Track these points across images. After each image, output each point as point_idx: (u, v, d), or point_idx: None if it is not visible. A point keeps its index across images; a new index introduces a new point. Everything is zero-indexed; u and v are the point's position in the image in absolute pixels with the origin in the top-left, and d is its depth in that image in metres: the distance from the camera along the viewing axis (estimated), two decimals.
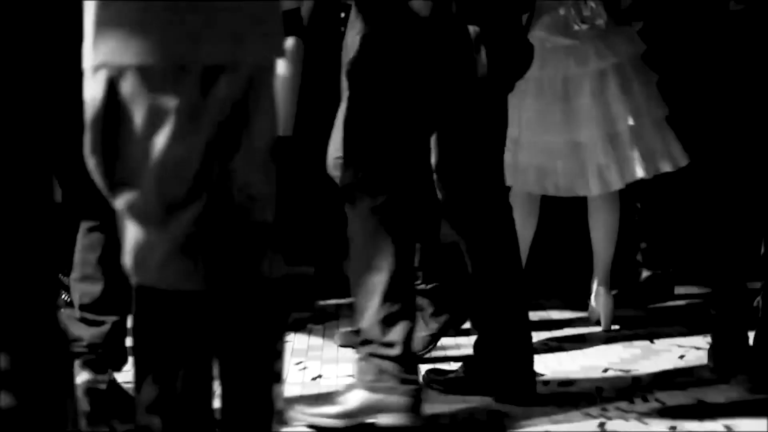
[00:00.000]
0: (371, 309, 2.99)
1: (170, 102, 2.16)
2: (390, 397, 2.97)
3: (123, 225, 2.23)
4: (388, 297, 2.97)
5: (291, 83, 3.93)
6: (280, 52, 2.37)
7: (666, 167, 3.99)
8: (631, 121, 3.93)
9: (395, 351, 2.98)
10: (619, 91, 3.94)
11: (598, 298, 4.09)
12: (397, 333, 2.98)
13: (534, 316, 4.11)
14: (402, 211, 2.99)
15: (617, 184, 3.96)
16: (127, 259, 2.23)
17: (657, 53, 4.20)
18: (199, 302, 2.23)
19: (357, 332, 3.95)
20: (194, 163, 2.20)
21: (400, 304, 2.99)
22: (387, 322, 2.98)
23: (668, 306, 4.45)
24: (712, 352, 3.48)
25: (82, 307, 3.03)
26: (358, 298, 3.04)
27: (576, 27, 3.94)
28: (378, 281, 2.97)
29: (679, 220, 4.59)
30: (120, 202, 2.21)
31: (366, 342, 3.03)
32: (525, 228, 3.88)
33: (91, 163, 2.22)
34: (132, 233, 2.21)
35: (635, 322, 4.20)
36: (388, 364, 2.99)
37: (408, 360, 3.01)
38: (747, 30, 3.20)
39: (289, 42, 3.85)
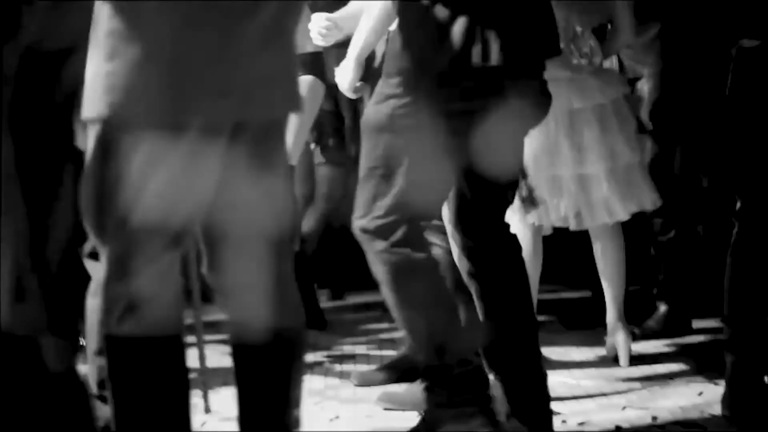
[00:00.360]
0: (422, 338, 3.07)
1: (167, 158, 2.16)
2: (464, 417, 3.05)
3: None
4: (433, 324, 3.05)
5: (304, 122, 3.94)
6: (295, 107, 2.37)
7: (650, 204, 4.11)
8: (631, 156, 4.02)
9: (456, 370, 3.04)
10: (618, 126, 4.02)
11: (615, 334, 4.08)
12: (452, 353, 3.05)
13: (551, 353, 4.10)
14: (417, 243, 3.07)
15: (623, 215, 4.02)
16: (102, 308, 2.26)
17: (671, 92, 4.24)
18: (159, 347, 2.25)
19: (375, 371, 3.99)
20: (179, 219, 2.21)
21: (447, 327, 3.06)
22: (439, 346, 3.05)
23: (686, 341, 4.43)
24: (729, 400, 3.40)
25: (101, 384, 2.93)
26: (408, 333, 3.13)
27: (575, 61, 3.98)
28: (418, 311, 3.04)
29: (696, 254, 4.57)
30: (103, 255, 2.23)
31: (427, 371, 3.09)
32: (532, 266, 3.89)
33: (83, 214, 2.23)
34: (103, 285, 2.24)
35: (653, 358, 4.18)
36: (453, 386, 3.05)
37: (472, 375, 3.07)
38: (761, 66, 3.19)
39: (308, 80, 3.88)
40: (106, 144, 2.17)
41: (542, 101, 3.20)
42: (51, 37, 2.19)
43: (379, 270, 3.07)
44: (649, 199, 4.10)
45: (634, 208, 4.07)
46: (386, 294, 3.11)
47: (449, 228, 3.26)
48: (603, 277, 4.11)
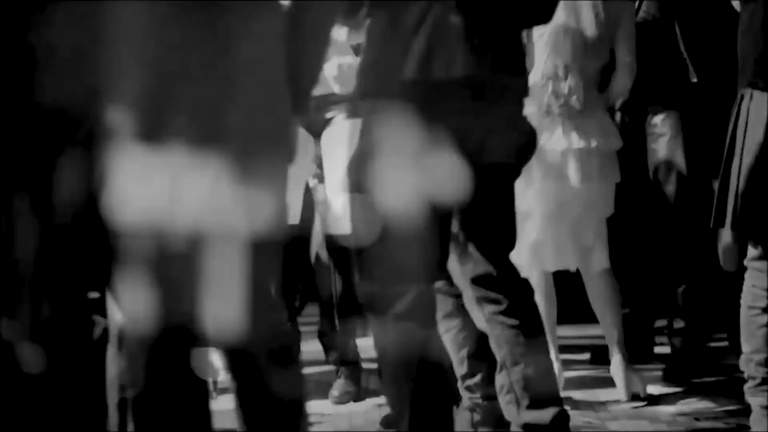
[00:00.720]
0: (403, 419, 2.91)
1: (146, 172, 2.17)
2: None
3: None
4: (417, 408, 2.89)
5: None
6: (288, 155, 2.35)
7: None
8: (582, 211, 3.95)
9: None
10: (577, 176, 3.91)
11: (617, 369, 4.04)
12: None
13: (577, 392, 4.09)
14: (416, 319, 2.90)
15: (552, 267, 4.00)
16: None
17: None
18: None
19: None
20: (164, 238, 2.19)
21: (432, 413, 2.91)
22: None
23: (713, 381, 4.40)
24: None
25: None
26: (393, 409, 3.00)
27: (547, 102, 3.89)
28: (406, 390, 2.90)
29: (720, 296, 4.55)
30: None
31: None
32: (548, 306, 3.89)
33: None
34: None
35: (679, 398, 4.15)
36: None
37: None
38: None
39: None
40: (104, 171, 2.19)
41: (523, 132, 3.03)
42: (70, 100, 2.22)
43: (378, 338, 2.96)
44: (596, 259, 4.01)
45: (572, 265, 3.99)
46: (381, 364, 3.02)
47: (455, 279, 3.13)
48: (598, 315, 4.07)
